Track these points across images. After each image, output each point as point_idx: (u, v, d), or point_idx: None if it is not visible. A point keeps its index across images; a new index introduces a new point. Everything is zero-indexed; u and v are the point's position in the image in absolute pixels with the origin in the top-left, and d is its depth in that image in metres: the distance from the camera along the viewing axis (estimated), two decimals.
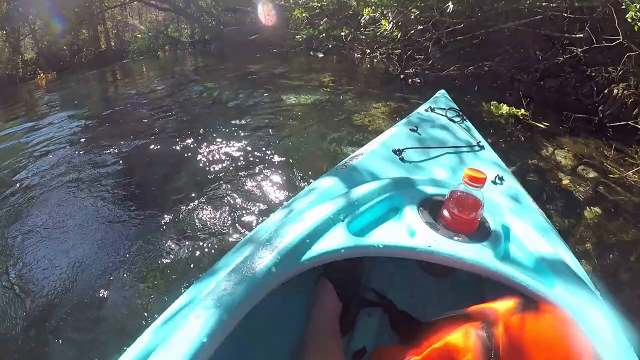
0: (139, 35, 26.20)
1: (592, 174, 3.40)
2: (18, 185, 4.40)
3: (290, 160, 3.99)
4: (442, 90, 3.07)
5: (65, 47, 29.31)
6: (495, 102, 4.73)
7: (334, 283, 1.35)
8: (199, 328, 0.84)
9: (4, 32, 24.91)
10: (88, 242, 3.14)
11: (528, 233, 1.21)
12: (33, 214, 3.69)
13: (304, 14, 9.64)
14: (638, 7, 3.40)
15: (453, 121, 2.35)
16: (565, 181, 3.28)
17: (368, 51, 8.08)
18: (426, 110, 2.53)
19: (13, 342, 2.31)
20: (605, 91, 4.55)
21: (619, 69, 4.45)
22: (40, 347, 2.24)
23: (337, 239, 1.12)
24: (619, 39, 4.09)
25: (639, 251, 2.57)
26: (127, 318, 2.32)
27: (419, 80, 6.15)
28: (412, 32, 6.35)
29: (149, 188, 3.90)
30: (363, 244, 1.12)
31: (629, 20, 3.49)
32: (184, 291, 1.07)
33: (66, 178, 4.34)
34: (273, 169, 3.85)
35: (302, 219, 1.21)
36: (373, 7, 6.50)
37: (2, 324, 2.43)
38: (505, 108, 4.58)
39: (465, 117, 2.41)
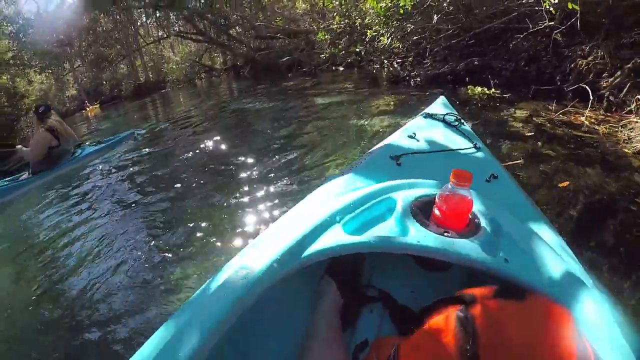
0: (174, 66, 28.28)
1: (535, 120, 4.64)
2: (72, 201, 5.10)
3: (318, 156, 4.59)
4: (442, 96, 3.29)
5: (104, 82, 32.05)
6: (470, 86, 6.19)
7: (336, 280, 1.43)
8: (205, 319, 1.00)
9: (50, 71, 26.45)
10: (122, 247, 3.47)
11: (519, 227, 1.29)
12: (79, 229, 4.12)
13: (326, 36, 11.54)
14: None
15: (450, 125, 2.47)
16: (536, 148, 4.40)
17: (377, 61, 9.66)
18: (425, 117, 2.68)
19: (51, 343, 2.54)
20: (572, 65, 5.52)
21: (589, 46, 5.45)
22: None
23: (333, 238, 1.24)
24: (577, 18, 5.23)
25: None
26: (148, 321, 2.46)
27: (419, 80, 7.68)
28: (410, 42, 7.96)
29: (184, 192, 4.37)
30: (357, 241, 1.21)
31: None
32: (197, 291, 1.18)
33: (118, 194, 4.97)
34: (303, 169, 4.27)
35: (303, 220, 1.38)
36: (372, 29, 8.20)
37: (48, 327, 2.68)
38: (478, 89, 6.02)
39: (463, 121, 2.53)
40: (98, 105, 25.59)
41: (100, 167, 6.43)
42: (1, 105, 18.49)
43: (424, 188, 1.48)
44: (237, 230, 3.21)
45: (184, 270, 2.83)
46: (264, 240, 1.40)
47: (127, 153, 6.93)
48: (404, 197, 1.41)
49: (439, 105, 3.04)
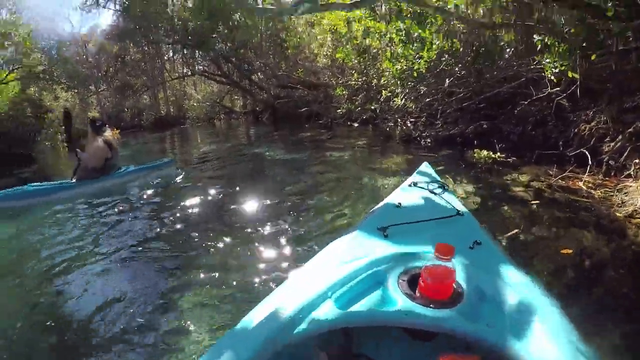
0: (195, 104, 29.19)
1: (535, 185, 4.86)
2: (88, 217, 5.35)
3: (327, 209, 4.69)
4: (425, 163, 3.41)
5: (126, 109, 32.85)
6: (477, 149, 6.47)
7: (328, 353, 1.46)
8: None
9: (76, 90, 27.11)
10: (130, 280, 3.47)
11: (503, 292, 1.33)
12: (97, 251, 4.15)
13: (344, 91, 11.97)
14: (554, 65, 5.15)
15: (435, 193, 2.53)
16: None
17: (391, 120, 9.91)
18: (410, 185, 2.74)
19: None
20: (576, 130, 5.78)
21: (593, 111, 5.70)
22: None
23: (325, 313, 1.30)
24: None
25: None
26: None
27: (430, 141, 7.98)
28: (422, 103, 8.29)
29: (191, 235, 4.35)
30: (347, 316, 1.28)
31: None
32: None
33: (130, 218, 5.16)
34: (312, 222, 4.34)
35: (298, 294, 1.44)
36: (387, 89, 8.59)
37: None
38: (484, 153, 6.29)
39: (446, 188, 2.62)
40: (118, 131, 26.25)
41: (136, 187, 6.79)
42: (26, 115, 18.85)
43: (410, 261, 1.54)
44: (236, 281, 3.17)
45: (178, 322, 2.74)
46: (259, 314, 1.42)
47: (161, 180, 7.27)
48: (391, 271, 1.48)
49: (424, 173, 3.15)
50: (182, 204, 5.51)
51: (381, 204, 2.58)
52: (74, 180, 6.61)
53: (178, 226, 4.68)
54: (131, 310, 2.88)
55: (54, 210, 5.75)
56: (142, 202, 5.94)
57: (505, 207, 4.22)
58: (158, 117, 30.21)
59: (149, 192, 6.44)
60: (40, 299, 3.29)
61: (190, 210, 5.22)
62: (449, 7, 5.13)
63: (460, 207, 2.26)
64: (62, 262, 3.90)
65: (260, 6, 4.75)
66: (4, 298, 3.51)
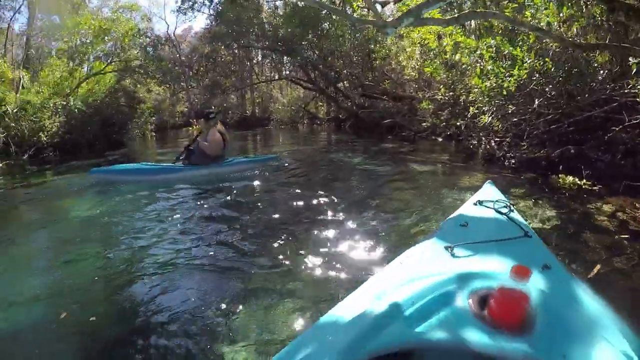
0: (280, 107, 30.16)
1: (620, 216, 4.59)
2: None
3: (403, 220, 4.71)
4: (489, 181, 3.40)
5: (214, 107, 33.79)
6: (562, 175, 6.16)
7: None
8: None
9: (168, 85, 28.62)
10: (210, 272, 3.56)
11: (578, 320, 1.27)
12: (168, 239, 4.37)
13: (429, 105, 11.92)
14: None
15: (501, 213, 2.46)
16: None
17: (476, 137, 9.80)
18: (475, 204, 2.72)
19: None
20: None
21: None
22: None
23: (395, 333, 1.29)
24: None
25: None
26: None
27: (514, 162, 7.71)
28: (509, 122, 7.98)
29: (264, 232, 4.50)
30: (417, 338, 1.25)
31: None
32: None
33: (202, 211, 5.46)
34: (387, 230, 4.35)
35: (366, 310, 1.44)
36: (474, 106, 8.51)
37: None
38: (569, 179, 5.99)
39: (512, 208, 2.55)
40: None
41: (239, 179, 7.21)
42: (120, 104, 20.87)
43: (479, 281, 1.49)
44: (306, 286, 3.17)
45: (245, 323, 2.72)
46: (328, 326, 1.46)
47: (261, 174, 7.75)
48: (459, 291, 1.43)
49: (489, 192, 3.08)
50: (265, 199, 5.91)
51: (447, 221, 2.63)
52: (185, 164, 7.27)
53: (258, 223, 4.87)
54: (201, 304, 2.95)
55: (154, 190, 6.42)
56: (234, 193, 6.28)
57: (586, 236, 4.06)
58: (243, 116, 31.57)
59: (245, 183, 6.91)
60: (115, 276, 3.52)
61: (271, 208, 5.44)
62: (541, 24, 5.08)
63: (527, 229, 2.19)
64: (145, 239, 4.33)
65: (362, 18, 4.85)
66: (79, 270, 3.77)
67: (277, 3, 26.99)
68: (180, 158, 7.37)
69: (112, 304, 3.12)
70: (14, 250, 4.41)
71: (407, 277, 1.72)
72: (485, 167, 8.07)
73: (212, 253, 3.92)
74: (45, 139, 15.17)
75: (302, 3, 18.41)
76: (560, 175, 6.19)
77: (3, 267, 3.91)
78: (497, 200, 2.63)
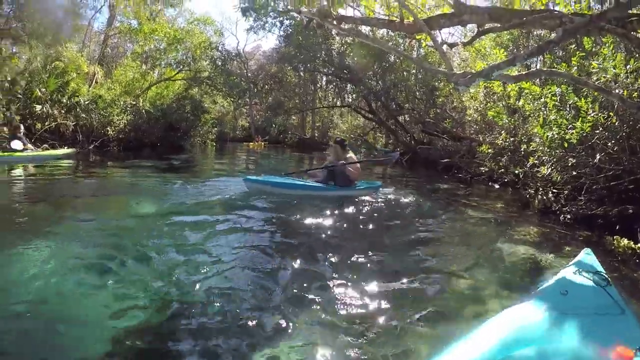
0: (339, 133, 30.70)
1: None
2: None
3: (456, 265, 4.65)
4: (588, 249, 3.40)
5: (274, 125, 34.79)
6: (617, 237, 5.90)
7: None
8: None
9: (232, 99, 29.54)
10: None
11: None
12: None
13: (489, 149, 11.78)
14: None
15: (599, 285, 2.53)
16: None
17: (533, 187, 9.42)
18: (574, 273, 2.78)
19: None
20: None
21: None
22: None
23: None
24: None
25: None
26: None
27: (570, 217, 7.48)
28: (568, 175, 7.73)
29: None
30: None
31: None
32: None
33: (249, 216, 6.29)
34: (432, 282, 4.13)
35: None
36: (535, 156, 8.41)
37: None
38: (624, 242, 5.73)
39: (610, 281, 2.62)
40: (266, 142, 28.72)
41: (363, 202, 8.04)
42: (185, 111, 21.90)
43: (580, 355, 1.59)
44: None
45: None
46: None
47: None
48: None
49: (587, 260, 3.12)
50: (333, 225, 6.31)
51: (546, 286, 2.73)
52: (328, 184, 8.24)
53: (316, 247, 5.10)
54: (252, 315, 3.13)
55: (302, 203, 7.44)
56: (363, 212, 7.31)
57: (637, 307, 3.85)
58: (302, 138, 32.06)
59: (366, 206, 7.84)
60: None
61: (328, 233, 5.81)
62: (608, 75, 5.01)
63: (623, 305, 2.29)
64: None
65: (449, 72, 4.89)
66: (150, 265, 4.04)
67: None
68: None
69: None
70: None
71: (511, 341, 1.84)
72: (539, 219, 7.90)
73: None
74: (112, 133, 16.07)
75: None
76: (615, 237, 5.98)
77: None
78: (596, 272, 2.72)
